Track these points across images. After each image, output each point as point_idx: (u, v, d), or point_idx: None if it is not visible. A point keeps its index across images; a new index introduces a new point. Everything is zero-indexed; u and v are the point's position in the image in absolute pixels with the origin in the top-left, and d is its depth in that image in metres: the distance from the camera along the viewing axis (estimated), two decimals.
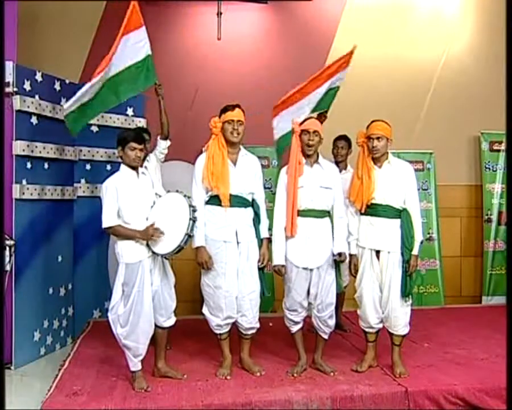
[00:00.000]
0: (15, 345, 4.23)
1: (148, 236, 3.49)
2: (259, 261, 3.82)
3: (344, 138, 4.81)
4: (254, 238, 3.83)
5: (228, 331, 3.86)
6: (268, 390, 3.54)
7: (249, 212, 3.83)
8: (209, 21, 5.98)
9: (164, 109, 4.27)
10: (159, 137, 4.31)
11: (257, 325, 3.89)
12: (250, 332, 3.87)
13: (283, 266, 3.75)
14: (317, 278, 3.77)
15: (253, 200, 3.86)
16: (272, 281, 5.55)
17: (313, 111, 4.37)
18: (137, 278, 3.51)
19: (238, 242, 3.77)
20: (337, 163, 4.57)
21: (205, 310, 3.86)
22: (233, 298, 3.77)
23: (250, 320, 3.83)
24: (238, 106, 3.83)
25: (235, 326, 3.86)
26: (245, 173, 3.80)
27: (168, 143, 4.31)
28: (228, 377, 3.75)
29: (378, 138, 3.73)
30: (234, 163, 3.80)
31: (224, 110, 3.81)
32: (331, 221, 3.82)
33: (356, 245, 3.86)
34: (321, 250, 3.76)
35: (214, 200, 3.75)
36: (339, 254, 3.76)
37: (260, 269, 3.86)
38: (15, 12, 4.34)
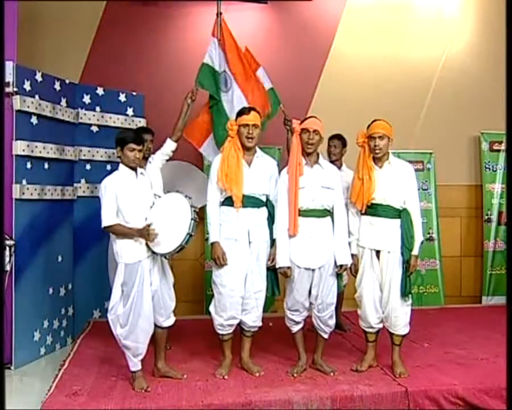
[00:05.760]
0: (15, 345, 4.23)
1: (144, 235, 3.48)
2: (268, 260, 3.83)
3: (337, 137, 4.76)
4: (267, 238, 3.83)
5: (230, 333, 3.86)
6: (268, 390, 3.54)
7: (262, 212, 3.83)
8: (209, 21, 5.97)
9: (186, 115, 4.30)
10: (169, 138, 4.30)
11: (260, 324, 3.90)
12: (252, 330, 3.89)
13: (288, 267, 3.74)
14: (318, 278, 3.77)
15: (267, 200, 3.86)
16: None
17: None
18: (137, 278, 3.51)
19: (249, 242, 3.78)
20: (331, 162, 4.54)
21: (211, 307, 3.87)
22: (238, 298, 3.77)
23: (254, 318, 3.84)
24: (254, 109, 3.83)
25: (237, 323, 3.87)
26: (259, 175, 3.80)
27: (175, 146, 4.32)
28: (225, 377, 3.75)
29: (379, 137, 3.73)
30: (249, 164, 3.80)
31: (240, 113, 3.82)
32: (333, 220, 3.81)
33: (357, 245, 3.86)
34: (323, 250, 3.75)
35: (229, 201, 3.77)
36: (341, 266, 3.77)
37: (272, 269, 3.85)
38: (15, 12, 4.33)
